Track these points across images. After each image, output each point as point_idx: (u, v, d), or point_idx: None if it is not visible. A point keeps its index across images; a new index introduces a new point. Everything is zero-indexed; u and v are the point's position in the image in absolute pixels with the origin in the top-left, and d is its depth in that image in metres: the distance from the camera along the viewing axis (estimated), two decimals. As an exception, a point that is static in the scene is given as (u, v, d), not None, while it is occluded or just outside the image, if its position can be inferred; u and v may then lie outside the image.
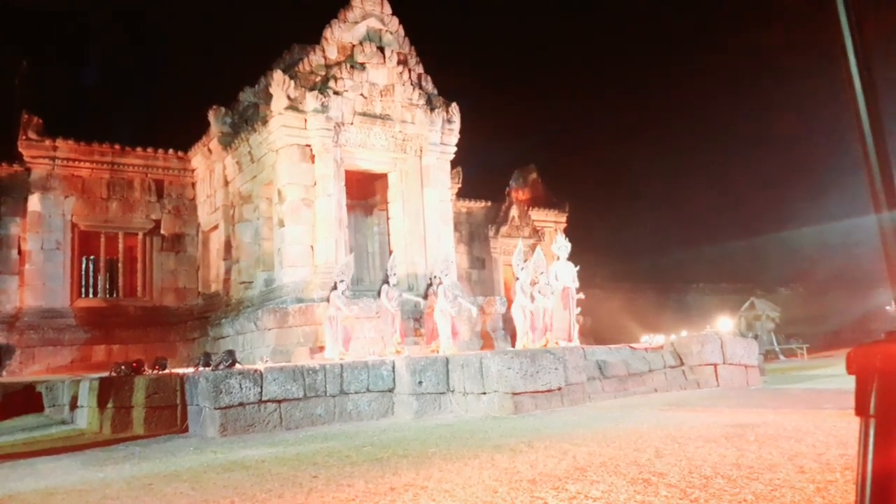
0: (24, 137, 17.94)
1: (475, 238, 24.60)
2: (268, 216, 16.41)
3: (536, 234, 25.19)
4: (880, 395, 1.78)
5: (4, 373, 16.36)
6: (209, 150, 18.98)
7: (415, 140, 16.52)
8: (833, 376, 12.44)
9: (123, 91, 37.65)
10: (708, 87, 44.76)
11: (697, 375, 11.42)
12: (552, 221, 26.55)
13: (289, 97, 15.13)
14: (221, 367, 9.40)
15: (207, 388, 8.38)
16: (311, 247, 15.24)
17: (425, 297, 13.73)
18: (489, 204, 25.28)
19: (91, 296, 19.51)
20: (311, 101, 15.17)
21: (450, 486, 4.47)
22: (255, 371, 8.70)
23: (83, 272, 19.47)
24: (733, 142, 47.09)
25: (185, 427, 8.98)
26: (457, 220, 21.45)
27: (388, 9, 17.06)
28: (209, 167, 19.42)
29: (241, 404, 8.33)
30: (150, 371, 10.48)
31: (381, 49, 16.51)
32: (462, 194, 23.96)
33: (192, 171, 20.36)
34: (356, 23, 16.62)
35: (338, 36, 16.47)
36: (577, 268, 13.16)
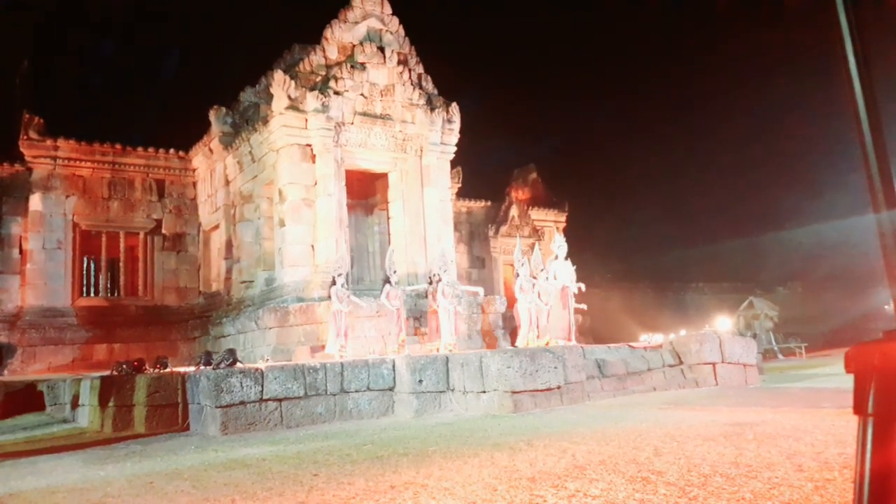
0: (25, 137, 17.96)
1: (475, 237, 24.63)
2: (269, 216, 16.43)
3: (536, 233, 25.21)
4: (878, 393, 1.79)
5: (6, 372, 16.39)
6: (210, 150, 19.00)
7: (415, 140, 16.55)
8: (831, 375, 12.46)
9: (124, 91, 37.66)
10: (707, 86, 44.75)
11: (696, 374, 11.44)
12: (552, 221, 26.57)
13: (289, 97, 15.15)
14: (222, 365, 9.43)
15: (209, 387, 8.41)
16: (312, 246, 15.27)
17: (425, 295, 13.75)
18: (489, 203, 25.30)
19: (92, 295, 19.55)
20: (312, 100, 15.19)
21: (450, 485, 4.49)
22: (256, 370, 8.73)
23: (84, 271, 19.51)
24: (732, 141, 47.07)
25: (186, 425, 9.01)
26: (457, 220, 21.48)
27: (388, 9, 17.08)
28: (210, 167, 19.44)
29: (242, 403, 8.36)
30: (151, 370, 10.50)
31: (382, 49, 16.53)
32: (462, 194, 23.99)
33: (193, 170, 20.38)
34: (356, 23, 16.64)
35: (338, 36, 16.49)
36: (574, 267, 13.17)
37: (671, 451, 5.24)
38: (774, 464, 4.55)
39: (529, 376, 8.85)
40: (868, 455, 1.77)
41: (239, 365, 9.69)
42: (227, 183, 18.36)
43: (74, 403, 10.78)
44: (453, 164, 18.24)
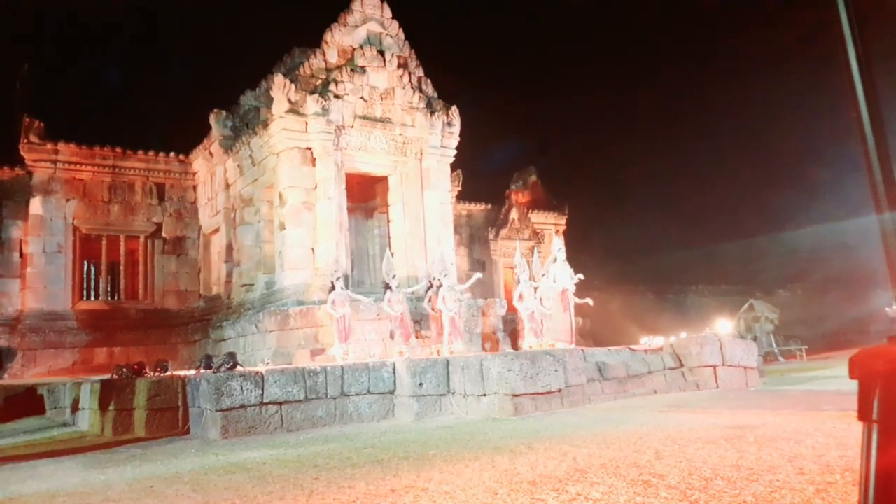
0: (25, 141, 17.97)
1: (475, 240, 24.63)
2: (269, 219, 16.44)
3: (536, 236, 25.22)
4: (883, 399, 1.78)
5: (6, 375, 16.37)
6: (210, 154, 19.02)
7: (415, 143, 16.56)
8: (832, 378, 12.44)
9: (125, 94, 37.68)
10: (707, 87, 44.78)
11: (697, 377, 11.43)
12: (552, 224, 26.58)
13: (289, 101, 15.17)
14: (223, 369, 9.42)
15: (209, 391, 8.40)
16: (312, 249, 15.27)
17: (426, 299, 13.71)
18: (489, 206, 25.30)
19: (92, 298, 19.54)
20: (312, 104, 15.21)
21: (450, 488, 4.49)
22: (257, 373, 8.72)
23: (85, 275, 19.50)
24: (733, 143, 47.13)
25: (186, 429, 9.00)
26: (457, 223, 21.49)
27: (388, 12, 17.11)
28: (210, 170, 19.45)
29: (242, 406, 8.35)
30: (151, 373, 10.50)
31: (382, 52, 16.55)
32: (462, 197, 24.00)
33: (194, 174, 20.39)
34: (356, 26, 16.67)
35: (338, 39, 16.51)
36: (573, 271, 13.14)
37: (672, 454, 5.23)
38: (776, 467, 4.54)
39: (530, 379, 8.84)
40: (873, 460, 1.76)
41: (239, 368, 9.68)
42: (228, 186, 18.37)
43: (75, 407, 10.77)
44: (453, 166, 18.25)
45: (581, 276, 13.06)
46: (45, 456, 7.55)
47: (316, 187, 15.40)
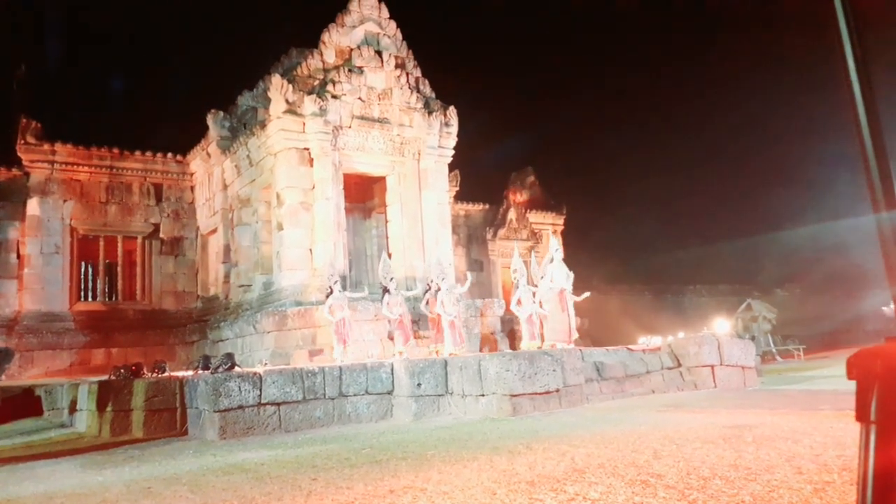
0: (22, 141, 17.95)
1: (473, 240, 24.64)
2: (266, 219, 16.43)
3: (534, 236, 25.23)
4: (881, 400, 1.78)
5: (3, 377, 16.33)
6: (208, 154, 19.00)
7: (413, 143, 16.55)
8: (830, 377, 12.46)
9: (122, 95, 37.63)
10: (704, 87, 44.86)
11: (695, 377, 11.44)
12: (550, 224, 26.59)
13: (287, 101, 15.16)
14: (220, 370, 9.41)
15: (207, 391, 8.39)
16: (310, 250, 15.26)
17: (425, 302, 13.69)
18: (487, 206, 25.31)
19: (90, 299, 19.52)
20: (310, 104, 15.20)
21: (449, 489, 4.48)
22: (254, 374, 8.71)
23: (82, 276, 19.49)
24: (730, 143, 47.19)
25: (184, 430, 8.99)
26: (455, 223, 21.49)
27: (385, 13, 17.10)
28: (208, 171, 19.43)
29: (240, 407, 8.34)
30: (149, 374, 10.48)
31: (379, 53, 16.55)
32: (460, 197, 24.00)
33: (191, 174, 20.38)
34: (354, 27, 16.66)
35: (336, 40, 16.51)
36: (571, 273, 13.13)
37: (670, 453, 5.23)
38: (773, 466, 4.54)
39: (528, 379, 8.84)
40: (871, 461, 1.76)
41: (237, 369, 9.67)
42: (225, 187, 18.36)
43: (72, 408, 10.75)
44: (451, 167, 18.25)
45: (572, 273, 13.02)
46: (43, 457, 7.54)
47: (314, 188, 15.39)
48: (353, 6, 16.75)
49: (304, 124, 15.29)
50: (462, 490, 4.41)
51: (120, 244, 19.37)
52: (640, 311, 26.72)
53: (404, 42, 17.19)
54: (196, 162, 19.91)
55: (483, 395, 8.96)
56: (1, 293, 17.67)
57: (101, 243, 19.15)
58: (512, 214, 25.11)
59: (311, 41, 16.65)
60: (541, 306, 12.75)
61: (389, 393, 9.57)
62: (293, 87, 15.36)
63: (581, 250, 25.62)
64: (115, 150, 19.22)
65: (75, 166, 18.71)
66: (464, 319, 14.82)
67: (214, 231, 19.07)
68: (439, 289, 12.77)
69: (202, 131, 18.90)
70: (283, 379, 8.76)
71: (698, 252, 34.08)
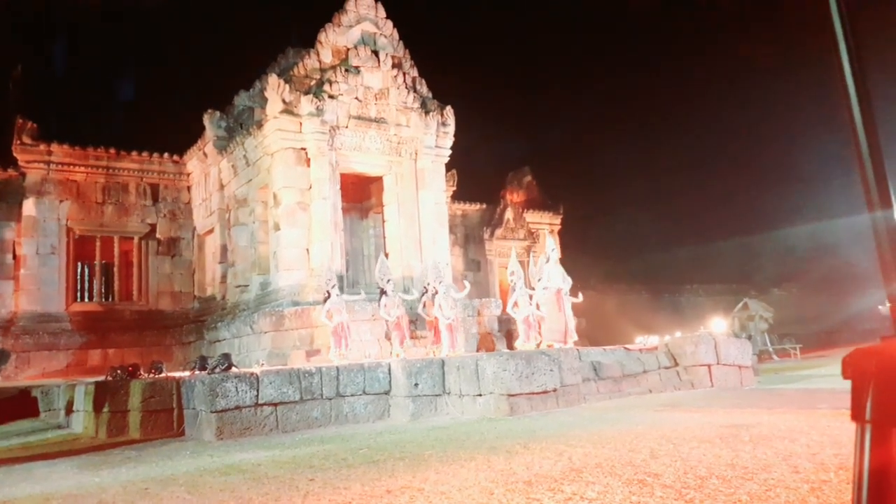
0: (18, 142, 17.91)
1: (470, 240, 24.64)
2: (263, 220, 16.41)
3: (531, 236, 25.24)
4: (876, 400, 1.78)
5: (0, 377, 16.32)
6: (204, 154, 18.98)
7: (410, 143, 16.55)
8: (826, 376, 12.48)
9: (118, 95, 37.56)
10: (701, 86, 44.93)
11: (692, 376, 11.45)
12: (547, 223, 26.61)
13: (284, 101, 15.15)
14: (217, 370, 9.40)
15: (204, 392, 8.38)
16: (307, 250, 15.25)
17: (422, 304, 13.67)
18: (484, 206, 25.32)
19: (87, 300, 19.48)
20: (306, 104, 15.19)
21: (446, 488, 4.48)
22: (252, 374, 8.70)
23: (78, 276, 19.44)
24: (726, 142, 47.22)
25: (181, 431, 8.97)
26: (452, 223, 21.48)
27: (382, 12, 17.09)
28: (204, 171, 19.41)
29: (237, 408, 8.34)
30: (146, 375, 10.47)
31: (376, 53, 16.54)
32: (457, 197, 24.00)
33: (188, 174, 20.36)
34: (350, 27, 16.65)
35: (332, 40, 16.50)
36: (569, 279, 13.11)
37: (667, 453, 5.24)
38: (770, 465, 4.55)
39: (525, 379, 8.84)
40: (866, 461, 1.76)
41: (234, 370, 9.67)
42: (222, 187, 18.34)
43: (69, 409, 10.73)
44: (448, 166, 18.25)
45: (570, 279, 13.02)
46: (40, 458, 7.52)
47: (310, 188, 15.37)
48: (350, 6, 16.73)
49: (300, 124, 15.28)
50: (459, 490, 4.41)
51: (116, 245, 19.34)
52: (638, 310, 26.75)
53: (401, 42, 17.19)
54: (193, 162, 19.89)
55: (480, 395, 8.96)
56: (-3, 294, 17.64)
57: (98, 244, 19.12)
58: (509, 214, 25.12)
59: (308, 41, 16.66)
60: (538, 308, 12.74)
61: (387, 393, 9.57)
62: (290, 87, 15.35)
63: (578, 250, 25.63)
64: (112, 151, 19.19)
65: (71, 167, 18.67)
66: (461, 320, 14.82)
67: (211, 231, 19.05)
68: (436, 292, 12.76)
69: (199, 131, 18.88)
70: (280, 379, 8.76)
71: (695, 251, 34.13)
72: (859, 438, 1.79)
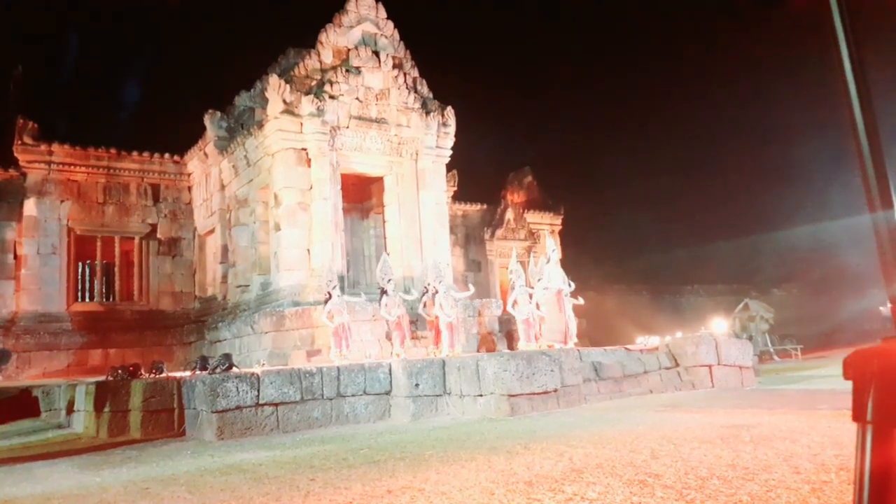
0: (19, 142, 17.92)
1: (471, 241, 24.63)
2: (264, 220, 16.41)
3: (532, 236, 25.23)
4: (877, 400, 1.78)
5: (0, 377, 16.32)
6: (205, 154, 18.98)
7: (410, 143, 16.55)
8: (827, 377, 12.47)
9: (119, 95, 37.60)
10: (701, 87, 44.90)
11: (692, 376, 11.45)
12: (547, 224, 26.59)
13: (284, 101, 15.15)
14: (218, 370, 9.41)
15: (204, 392, 8.38)
16: (308, 250, 15.25)
17: (423, 304, 13.67)
18: (485, 207, 25.31)
19: (87, 300, 19.49)
20: (307, 105, 15.19)
21: (447, 489, 4.48)
22: (252, 374, 8.71)
23: (79, 276, 19.46)
24: (727, 142, 47.19)
25: (182, 431, 8.98)
26: (452, 223, 21.48)
27: (382, 13, 17.09)
28: (205, 171, 19.42)
29: (238, 408, 8.34)
30: (146, 375, 10.47)
31: (377, 53, 16.54)
32: (458, 197, 24.00)
33: (189, 175, 20.36)
34: (351, 27, 16.65)
35: (333, 40, 16.49)
36: (570, 283, 13.11)
37: (668, 453, 5.24)
38: (771, 466, 4.55)
39: (526, 379, 8.84)
40: (867, 461, 1.76)
41: (235, 370, 9.67)
42: (223, 187, 18.34)
43: (70, 409, 10.74)
44: (449, 167, 18.25)
45: (573, 284, 13.04)
46: (41, 458, 7.53)
47: (311, 188, 15.37)
48: (351, 6, 16.73)
49: (301, 124, 15.28)
50: (460, 490, 4.41)
51: (117, 245, 19.35)
52: (638, 310, 26.73)
53: (402, 42, 17.19)
54: (193, 162, 19.89)
55: (481, 396, 8.96)
56: (-2, 294, 17.65)
57: (99, 244, 19.13)
58: (510, 214, 25.11)
59: (309, 41, 16.65)
60: (538, 308, 12.74)
61: (387, 393, 9.57)
62: (291, 87, 15.35)
63: (579, 250, 25.63)
64: (113, 151, 19.20)
65: (72, 167, 18.68)
66: (461, 320, 14.83)
67: (212, 231, 19.06)
68: (437, 291, 12.76)
69: (199, 132, 18.88)
70: (280, 379, 8.76)
71: (696, 252, 34.11)
72: (860, 439, 1.79)
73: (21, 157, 18.07)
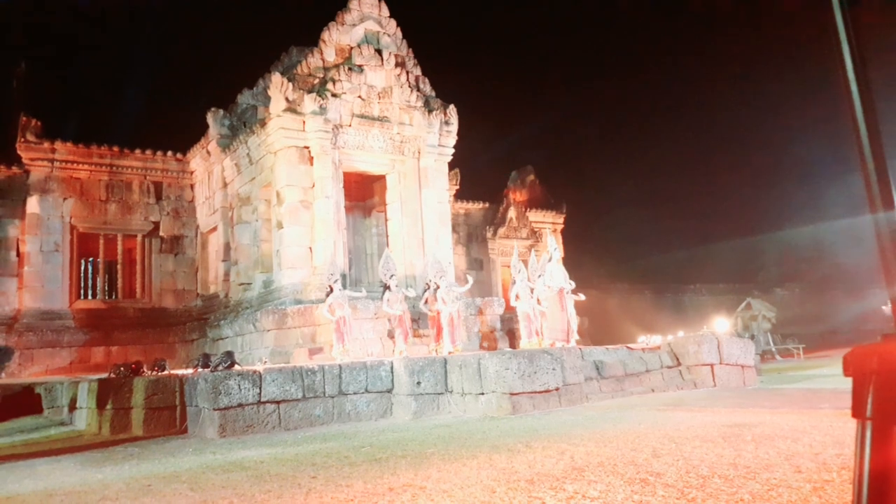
0: (22, 140, 17.95)
1: (473, 239, 24.63)
2: (266, 218, 16.43)
3: (534, 235, 25.22)
4: (877, 397, 1.78)
5: (3, 374, 16.36)
6: (208, 152, 19.00)
7: (413, 142, 16.55)
8: (829, 376, 12.47)
9: (122, 93, 37.64)
10: (704, 86, 44.85)
11: (694, 375, 11.45)
12: (550, 222, 26.59)
13: (287, 99, 15.16)
14: (220, 368, 9.42)
15: (206, 390, 8.40)
16: (310, 248, 15.26)
17: (424, 301, 13.70)
18: (487, 205, 25.31)
19: (90, 297, 19.51)
20: (310, 103, 15.20)
21: (448, 487, 4.49)
22: (254, 372, 8.72)
23: (82, 274, 19.47)
24: (730, 142, 47.17)
25: (184, 428, 9.00)
26: (455, 222, 21.49)
27: (385, 11, 17.09)
28: (208, 169, 19.43)
29: (239, 405, 8.35)
30: (149, 372, 10.48)
31: (379, 51, 16.54)
32: (460, 195, 24.00)
33: (191, 173, 20.38)
34: (354, 25, 16.65)
35: (336, 38, 16.50)
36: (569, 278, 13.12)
37: (669, 452, 5.24)
38: (773, 465, 4.55)
39: (528, 378, 8.85)
40: (867, 458, 1.76)
41: (237, 367, 9.68)
42: (225, 185, 18.36)
43: (72, 406, 10.76)
44: (451, 165, 18.26)
45: (573, 284, 13.05)
46: (43, 455, 7.55)
47: (314, 186, 15.38)
48: (354, 5, 16.73)
49: (304, 123, 15.29)
50: (461, 488, 4.42)
51: (120, 242, 19.37)
52: (640, 309, 26.75)
53: (404, 40, 17.18)
54: (196, 160, 19.91)
55: (483, 394, 8.96)
56: (1, 291, 17.67)
57: (101, 241, 19.15)
58: (512, 213, 25.10)
59: (312, 40, 16.65)
60: (539, 303, 12.75)
61: (389, 391, 9.58)
62: (293, 85, 15.35)
63: (581, 249, 25.67)
64: (115, 149, 19.21)
65: (75, 164, 18.70)
66: (463, 318, 14.84)
67: (214, 229, 19.07)
68: (438, 287, 12.77)
69: (202, 129, 18.90)
70: (282, 377, 8.77)
71: (698, 251, 34.13)
72: (860, 435, 1.80)
73: (24, 155, 18.10)
